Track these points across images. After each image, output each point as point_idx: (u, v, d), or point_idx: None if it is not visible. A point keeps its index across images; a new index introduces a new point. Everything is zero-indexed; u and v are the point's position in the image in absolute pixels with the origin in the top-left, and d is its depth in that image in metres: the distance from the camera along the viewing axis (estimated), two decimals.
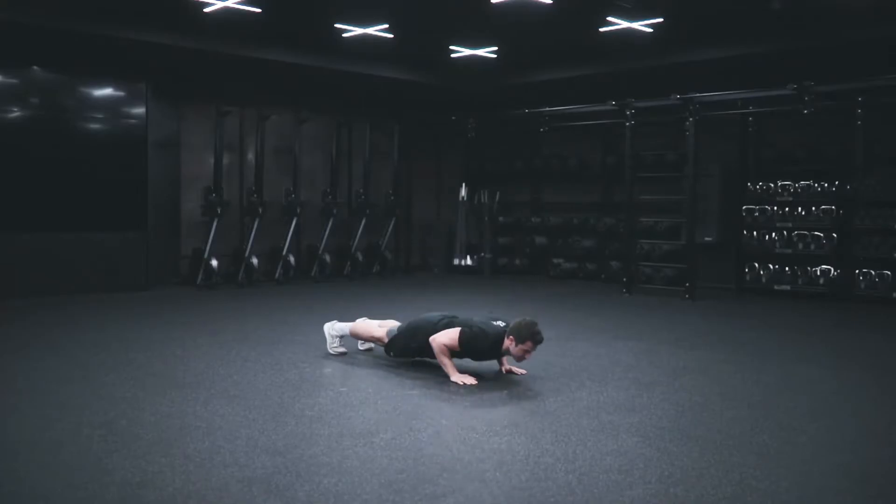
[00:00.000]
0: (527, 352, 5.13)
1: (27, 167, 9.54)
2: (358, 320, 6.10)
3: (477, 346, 5.24)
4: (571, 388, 5.13)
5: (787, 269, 10.14)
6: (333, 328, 6.13)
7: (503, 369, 5.50)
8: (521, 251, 13.33)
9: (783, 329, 7.97)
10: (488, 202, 13.31)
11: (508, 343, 5.16)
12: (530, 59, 11.74)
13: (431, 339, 5.30)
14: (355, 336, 6.07)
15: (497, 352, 5.31)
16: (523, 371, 5.47)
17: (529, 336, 5.08)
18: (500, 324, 5.29)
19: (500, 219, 13.44)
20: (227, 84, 11.44)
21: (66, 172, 9.84)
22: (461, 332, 5.22)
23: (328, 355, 6.07)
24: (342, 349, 6.11)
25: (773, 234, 10.29)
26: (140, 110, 10.40)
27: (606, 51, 10.82)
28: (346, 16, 9.32)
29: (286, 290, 10.67)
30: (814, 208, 10.01)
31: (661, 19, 9.05)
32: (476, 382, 5.15)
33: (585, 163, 12.73)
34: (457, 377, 5.20)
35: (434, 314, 5.63)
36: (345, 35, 9.93)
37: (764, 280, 10.31)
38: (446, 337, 5.25)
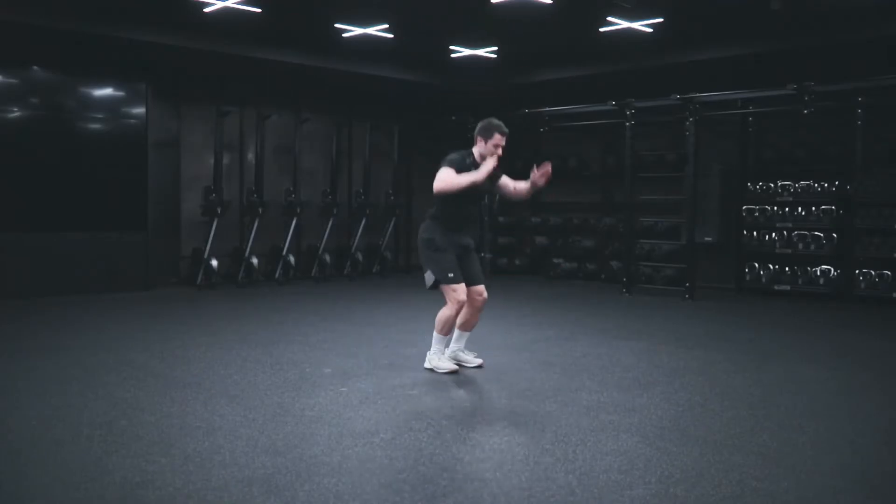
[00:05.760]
0: (498, 146, 5.36)
1: (27, 167, 9.54)
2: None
3: (459, 163, 5.34)
4: (571, 388, 5.13)
5: (787, 269, 10.14)
6: (431, 354, 5.63)
7: (533, 176, 5.31)
8: (521, 251, 13.32)
9: (783, 329, 7.97)
10: (488, 202, 13.29)
11: (479, 145, 5.39)
12: (530, 59, 11.74)
13: (435, 188, 5.27)
14: (445, 329, 5.51)
15: (476, 164, 5.38)
16: (546, 172, 5.26)
17: (495, 128, 5.37)
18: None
19: (500, 219, 13.44)
20: (227, 84, 11.44)
21: (66, 172, 9.84)
22: (443, 165, 5.33)
23: (330, 355, 6.08)
24: (453, 365, 5.57)
25: (773, 234, 10.28)
26: (140, 110, 10.41)
27: (606, 51, 10.82)
28: (346, 16, 9.32)
29: (286, 290, 10.67)
30: (814, 208, 10.01)
31: (661, 19, 9.05)
32: (495, 164, 5.25)
33: (585, 163, 12.73)
34: (484, 169, 5.23)
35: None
36: (345, 35, 9.93)
37: (764, 280, 10.30)
38: (440, 177, 5.27)
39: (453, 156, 5.40)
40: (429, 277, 5.43)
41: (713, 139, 11.00)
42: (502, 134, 5.35)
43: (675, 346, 6.72)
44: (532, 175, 5.33)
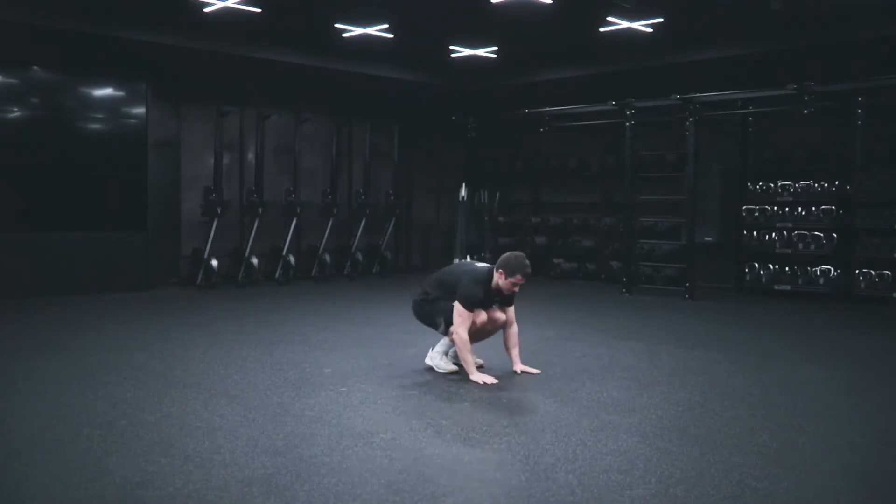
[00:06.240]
0: (516, 285, 5.31)
1: (27, 167, 9.54)
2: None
3: (477, 296, 5.30)
4: (571, 388, 5.13)
5: (787, 269, 10.14)
6: (434, 353, 5.65)
7: (516, 369, 5.49)
8: (521, 251, 13.30)
9: (783, 329, 7.97)
10: (488, 202, 13.30)
11: (498, 277, 5.31)
12: (530, 59, 11.74)
13: (452, 335, 5.29)
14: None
15: (490, 294, 5.37)
16: (537, 371, 5.49)
17: (520, 269, 5.27)
18: (480, 264, 5.54)
19: (500, 219, 13.44)
20: (227, 84, 11.44)
21: (66, 172, 9.84)
22: (461, 301, 5.25)
23: (330, 355, 6.07)
24: (453, 366, 5.55)
25: (773, 234, 10.29)
26: (140, 110, 10.41)
27: (606, 51, 10.82)
28: (346, 16, 9.32)
29: (286, 290, 10.67)
30: (814, 208, 10.01)
31: (661, 19, 9.05)
32: (496, 382, 5.15)
33: (585, 163, 12.72)
34: (476, 376, 5.19)
35: (424, 288, 5.59)
36: (345, 35, 9.93)
37: (764, 280, 10.30)
38: (459, 325, 5.23)
39: (476, 290, 5.28)
40: (443, 322, 5.44)
41: (713, 139, 11.00)
42: (524, 276, 5.28)
43: (675, 346, 6.72)
44: (521, 366, 5.45)
